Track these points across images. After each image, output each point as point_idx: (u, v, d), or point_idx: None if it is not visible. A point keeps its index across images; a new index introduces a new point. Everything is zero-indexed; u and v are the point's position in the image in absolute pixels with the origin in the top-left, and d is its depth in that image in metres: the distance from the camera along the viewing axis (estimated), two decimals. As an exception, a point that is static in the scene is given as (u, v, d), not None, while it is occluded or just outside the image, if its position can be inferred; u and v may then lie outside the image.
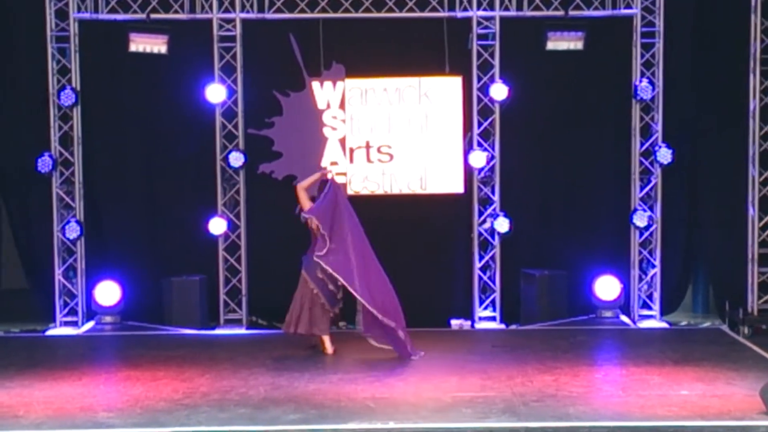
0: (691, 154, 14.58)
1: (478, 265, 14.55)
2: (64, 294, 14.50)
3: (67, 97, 14.17)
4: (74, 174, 14.39)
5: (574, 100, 14.58)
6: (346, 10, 14.30)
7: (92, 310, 14.52)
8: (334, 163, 14.60)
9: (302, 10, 14.32)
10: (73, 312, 14.49)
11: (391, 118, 14.60)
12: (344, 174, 14.59)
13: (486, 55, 14.38)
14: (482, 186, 14.55)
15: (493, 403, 9.80)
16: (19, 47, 14.46)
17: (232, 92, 14.41)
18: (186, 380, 10.96)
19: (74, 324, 14.43)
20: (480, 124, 14.45)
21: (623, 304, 14.57)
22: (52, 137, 14.30)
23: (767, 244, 14.24)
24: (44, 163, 14.17)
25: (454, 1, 14.31)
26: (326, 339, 12.40)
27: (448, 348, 12.69)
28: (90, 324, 14.47)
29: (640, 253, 14.54)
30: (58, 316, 14.47)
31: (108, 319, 14.46)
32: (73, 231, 14.28)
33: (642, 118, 14.40)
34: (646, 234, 14.48)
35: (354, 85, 14.59)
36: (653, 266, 14.51)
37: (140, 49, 14.10)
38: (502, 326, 14.45)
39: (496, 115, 14.40)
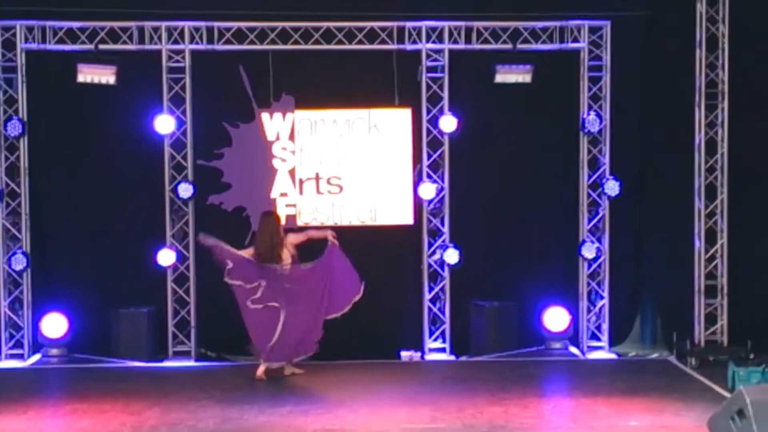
0: (638, 186, 14.71)
1: (427, 296, 14.56)
2: (9, 326, 14.32)
3: (14, 128, 14.06)
4: (21, 205, 14.25)
5: (523, 132, 14.67)
6: (296, 42, 14.32)
7: (38, 343, 14.36)
8: (284, 195, 14.57)
9: (252, 42, 14.31)
10: (18, 344, 14.31)
11: (341, 150, 14.61)
12: (294, 206, 14.58)
13: (435, 87, 14.45)
14: (432, 217, 14.59)
15: (443, 435, 9.80)
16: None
17: (181, 123, 14.37)
18: (134, 413, 10.86)
19: (20, 357, 14.25)
20: (429, 156, 14.50)
21: (572, 335, 14.64)
22: (-2, 168, 14.19)
23: (714, 276, 14.35)
24: (-10, 194, 14.04)
25: (403, 33, 14.38)
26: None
27: (398, 379, 12.68)
28: (36, 356, 14.31)
29: (589, 284, 14.62)
30: (4, 349, 14.28)
31: (55, 351, 14.32)
32: (19, 263, 14.13)
33: (590, 151, 14.52)
34: (595, 265, 14.57)
35: (304, 117, 14.60)
36: (602, 297, 14.59)
37: (88, 79, 14.02)
38: (452, 357, 14.45)
39: (446, 147, 14.46)
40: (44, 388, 12.89)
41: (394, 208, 14.61)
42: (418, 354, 14.53)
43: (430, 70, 14.46)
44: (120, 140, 14.38)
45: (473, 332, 14.65)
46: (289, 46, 14.33)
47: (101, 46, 14.12)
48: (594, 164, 14.55)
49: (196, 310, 14.49)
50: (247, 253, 12.91)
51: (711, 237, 14.33)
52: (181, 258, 14.46)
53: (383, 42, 14.37)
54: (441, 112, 14.40)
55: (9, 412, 10.95)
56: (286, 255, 12.86)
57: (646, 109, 14.61)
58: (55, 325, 14.28)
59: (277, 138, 14.67)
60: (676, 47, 14.36)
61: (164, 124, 14.25)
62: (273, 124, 14.65)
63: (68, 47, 14.16)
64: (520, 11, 14.36)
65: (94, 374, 13.39)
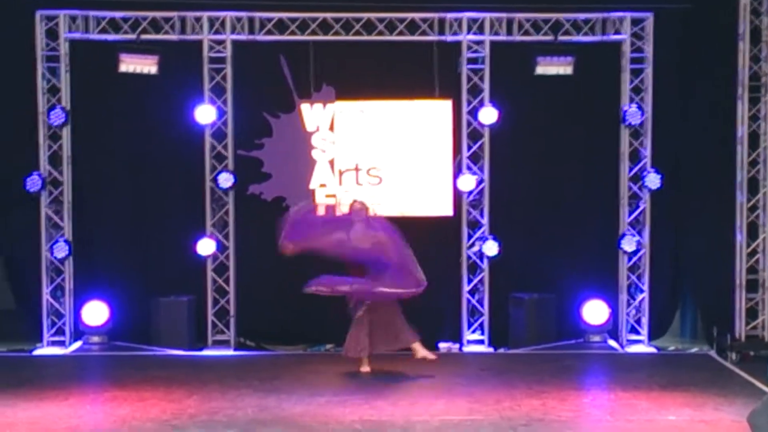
0: (679, 180, 14.63)
1: (466, 288, 14.56)
2: (51, 314, 14.45)
3: (57, 117, 14.17)
4: (63, 194, 14.37)
5: (563, 124, 14.63)
6: (337, 33, 14.34)
7: (80, 330, 14.49)
8: (323, 185, 14.61)
9: (293, 32, 14.35)
10: (60, 332, 14.45)
11: (381, 141, 14.63)
12: (333, 196, 14.60)
13: (476, 79, 14.43)
14: (471, 209, 14.58)
15: (480, 427, 9.79)
16: (9, 66, 14.43)
17: (221, 113, 14.43)
18: (173, 401, 10.93)
19: (61, 344, 14.38)
20: (469, 148, 14.48)
21: (611, 329, 14.59)
22: (41, 156, 14.29)
23: (755, 270, 14.27)
24: (33, 183, 14.15)
25: (444, 24, 14.36)
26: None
27: (436, 371, 12.67)
28: (77, 344, 14.43)
29: (629, 277, 14.56)
30: (46, 336, 14.42)
31: (95, 339, 14.44)
32: (61, 250, 14.25)
33: (631, 143, 14.45)
34: (635, 259, 14.51)
35: (344, 108, 14.62)
36: (641, 291, 14.53)
37: (130, 69, 14.12)
38: (491, 350, 14.45)
39: (486, 139, 14.44)
40: (85, 375, 12.99)
41: (433, 200, 14.61)
42: (457, 346, 14.54)
43: (470, 61, 14.44)
44: (161, 130, 14.48)
45: (512, 324, 14.64)
46: (329, 37, 14.35)
47: (143, 36, 14.21)
48: (635, 157, 14.48)
49: (236, 300, 14.57)
50: None
51: (753, 231, 14.25)
52: (221, 247, 14.53)
53: (424, 33, 14.36)
54: (481, 103, 14.37)
55: (50, 398, 11.04)
56: None
57: (688, 102, 14.51)
58: (96, 312, 14.40)
59: (317, 129, 14.69)
60: (717, 40, 14.25)
61: (205, 114, 14.32)
62: (313, 114, 14.68)
63: (111, 37, 14.25)
64: (561, 3, 14.33)
65: (134, 362, 13.48)
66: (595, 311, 14.49)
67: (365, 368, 12.43)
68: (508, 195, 14.60)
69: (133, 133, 14.64)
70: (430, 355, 12.50)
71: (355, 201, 12.78)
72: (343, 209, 12.59)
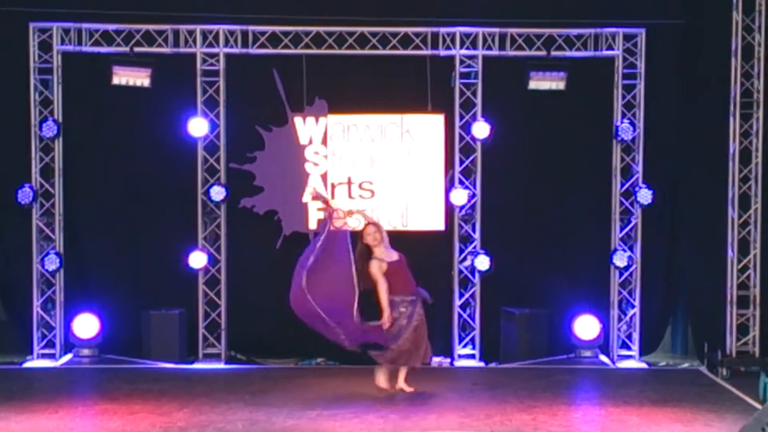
0: (671, 195, 14.66)
1: (458, 302, 14.56)
2: (42, 326, 14.42)
3: (49, 129, 14.16)
4: (54, 206, 14.35)
5: (556, 139, 14.64)
6: (330, 47, 14.36)
7: (70, 343, 14.45)
8: (316, 198, 14.59)
9: (286, 46, 14.37)
10: (50, 344, 14.41)
11: (373, 155, 14.63)
12: (324, 209, 14.57)
13: (468, 93, 14.45)
14: (463, 224, 14.58)
15: (471, 441, 9.79)
16: (1, 78, 14.42)
17: (214, 126, 14.43)
18: (164, 414, 10.91)
19: (52, 356, 14.35)
20: (462, 162, 14.50)
21: (603, 344, 14.59)
22: (33, 169, 14.27)
23: (746, 286, 14.28)
24: (24, 195, 14.13)
25: (437, 39, 14.39)
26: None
27: (427, 385, 12.65)
28: (68, 356, 14.40)
29: (620, 293, 14.57)
30: (36, 348, 14.38)
31: (86, 351, 14.40)
32: (52, 263, 14.22)
33: (623, 159, 14.48)
34: (626, 274, 14.52)
35: (336, 121, 14.62)
36: (633, 306, 14.54)
37: (123, 82, 14.09)
38: (482, 364, 14.44)
39: (478, 153, 14.45)
40: (75, 387, 12.97)
41: (425, 214, 14.61)
42: (448, 360, 14.53)
43: (463, 76, 14.46)
44: (154, 143, 14.47)
45: (503, 339, 14.63)
46: (323, 51, 14.37)
47: (136, 49, 14.21)
48: (627, 172, 14.50)
49: (227, 313, 14.55)
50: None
51: (744, 247, 14.26)
52: (213, 260, 14.51)
53: (417, 47, 14.38)
54: (474, 118, 14.39)
55: (40, 411, 11.02)
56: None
57: (680, 118, 14.54)
58: (86, 325, 14.36)
59: (310, 142, 14.69)
60: (711, 56, 14.29)
61: (198, 126, 14.32)
62: (306, 128, 14.68)
63: (104, 49, 14.25)
64: (554, 18, 14.35)
65: (124, 375, 13.45)
66: (586, 326, 14.49)
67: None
68: (500, 209, 14.61)
69: (126, 145, 14.63)
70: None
71: (367, 225, 12.36)
72: (336, 223, 12.44)
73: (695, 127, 14.46)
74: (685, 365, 14.59)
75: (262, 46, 14.38)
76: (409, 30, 14.33)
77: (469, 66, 14.45)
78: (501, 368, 14.29)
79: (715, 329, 14.27)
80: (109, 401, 11.61)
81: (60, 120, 14.26)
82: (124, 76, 14.08)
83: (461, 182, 14.50)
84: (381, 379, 12.08)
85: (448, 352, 14.58)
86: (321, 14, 14.31)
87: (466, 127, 14.44)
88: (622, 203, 14.50)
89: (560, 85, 14.17)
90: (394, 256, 12.07)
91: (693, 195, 14.58)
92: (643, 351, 14.70)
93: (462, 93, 14.46)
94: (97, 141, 14.65)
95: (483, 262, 14.38)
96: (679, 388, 12.66)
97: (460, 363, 14.45)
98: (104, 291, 14.56)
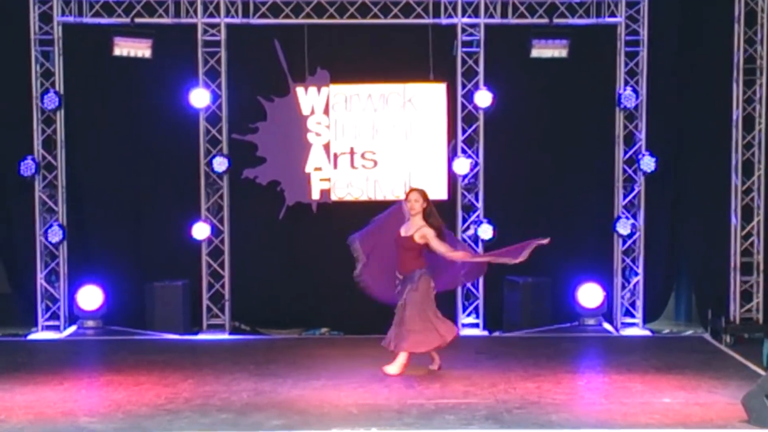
0: (674, 163, 14.62)
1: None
2: (46, 298, 14.44)
3: (51, 101, 14.14)
4: (57, 178, 14.35)
5: (558, 107, 14.61)
6: (331, 16, 14.31)
7: (74, 315, 14.48)
8: (318, 169, 14.59)
9: (287, 16, 14.32)
10: (55, 316, 14.44)
11: (376, 125, 14.61)
12: (328, 180, 14.59)
13: (470, 62, 14.41)
14: (466, 193, 14.57)
15: (476, 410, 9.80)
16: (2, 50, 14.39)
17: (216, 97, 14.40)
18: (168, 385, 10.93)
19: (56, 328, 14.38)
20: (464, 131, 14.47)
21: (606, 312, 14.60)
22: (35, 141, 14.26)
23: (750, 253, 14.28)
24: (27, 167, 14.14)
25: (439, 7, 14.33)
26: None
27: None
28: (72, 328, 14.43)
29: (623, 261, 14.57)
30: (40, 321, 14.42)
31: (90, 323, 14.43)
32: (55, 235, 14.23)
33: (626, 126, 14.45)
34: (629, 242, 14.52)
35: (338, 91, 14.59)
36: (636, 274, 14.54)
37: (124, 53, 14.06)
38: (486, 333, 14.46)
39: (480, 122, 14.42)
40: (80, 359, 12.99)
41: (428, 183, 14.54)
42: (452, 329, 14.53)
43: (465, 44, 14.42)
44: (155, 114, 14.45)
45: (507, 308, 14.64)
46: (324, 20, 14.32)
47: (137, 20, 14.17)
48: (630, 140, 14.48)
49: (231, 284, 14.57)
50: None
51: (747, 214, 14.26)
52: (216, 231, 14.52)
53: (419, 16, 14.33)
54: (476, 87, 14.36)
55: (45, 383, 11.04)
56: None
57: (683, 85, 14.49)
58: (90, 297, 14.38)
59: (312, 112, 14.66)
60: (714, 22, 14.23)
61: (199, 97, 14.29)
62: (308, 98, 14.64)
63: (104, 20, 14.21)
64: (556, -15, 14.30)
65: (129, 346, 13.48)
66: (589, 294, 14.50)
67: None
68: (502, 178, 14.59)
69: (127, 117, 14.60)
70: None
71: (412, 191, 11.77)
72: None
73: (698, 94, 14.42)
74: (689, 332, 14.61)
75: (263, 16, 14.33)
76: (411, -2, 14.30)
77: (471, 34, 14.40)
78: (505, 337, 14.31)
79: (719, 296, 14.29)
80: (113, 373, 11.64)
81: (61, 92, 14.23)
82: (125, 47, 14.04)
83: (464, 151, 14.48)
84: (392, 368, 11.60)
85: (452, 322, 14.55)
86: (322, -17, 14.28)
87: (469, 96, 14.41)
88: (625, 171, 14.48)
89: (563, 53, 14.13)
90: (408, 231, 11.59)
91: (696, 162, 14.55)
92: (647, 318, 14.72)
93: (464, 62, 14.42)
94: (98, 112, 14.62)
95: (486, 231, 14.38)
96: (682, 355, 12.67)
97: (464, 332, 14.44)
98: (108, 263, 14.57)
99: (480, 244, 14.45)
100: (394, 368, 11.46)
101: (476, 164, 14.48)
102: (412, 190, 11.82)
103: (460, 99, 14.44)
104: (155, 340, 14.03)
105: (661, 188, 14.60)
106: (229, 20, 14.34)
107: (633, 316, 14.59)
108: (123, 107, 14.58)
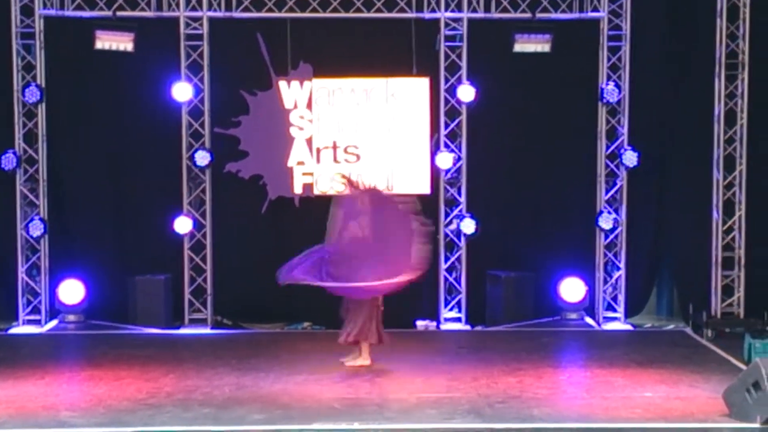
0: (656, 157, 14.64)
1: (443, 266, 14.56)
2: (27, 292, 14.39)
3: (32, 94, 14.07)
4: (38, 171, 14.29)
5: (541, 102, 14.61)
6: (314, 10, 14.28)
7: (56, 309, 14.43)
8: (301, 163, 14.57)
9: (270, 9, 14.28)
10: (36, 310, 14.39)
11: (359, 119, 14.59)
12: (311, 174, 14.57)
13: (453, 56, 14.40)
14: (449, 187, 14.57)
15: (458, 404, 9.82)
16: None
17: (198, 91, 14.36)
18: (150, 380, 10.92)
19: (37, 322, 14.33)
20: (447, 126, 14.47)
21: (588, 306, 14.63)
22: (16, 134, 14.20)
23: (731, 247, 14.32)
24: (8, 161, 14.09)
25: (422, 2, 14.31)
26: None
27: (413, 349, 12.69)
28: (53, 323, 14.38)
29: (605, 255, 14.60)
30: (21, 315, 14.36)
31: (71, 317, 14.38)
32: (36, 229, 14.18)
33: (608, 121, 14.46)
34: (611, 236, 14.55)
35: (321, 85, 14.57)
36: (618, 269, 14.57)
37: (106, 46, 14.03)
38: (468, 327, 14.46)
39: (463, 117, 14.42)
40: (61, 353, 12.96)
41: (411, 178, 14.59)
42: (434, 324, 14.54)
43: (448, 39, 14.40)
44: (137, 107, 14.40)
45: (489, 302, 14.65)
46: (307, 14, 14.29)
47: (119, 13, 14.12)
48: (612, 135, 14.49)
49: (213, 278, 14.53)
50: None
51: (729, 208, 14.30)
52: (198, 225, 14.49)
53: (402, 10, 14.31)
54: (459, 81, 14.35)
55: (26, 377, 11.01)
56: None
57: (666, 80, 14.52)
58: (72, 291, 14.34)
59: (295, 106, 14.63)
60: (696, 17, 14.25)
61: (182, 91, 14.25)
62: (290, 92, 14.61)
63: (86, 14, 14.15)
64: (539, -20, 14.30)
65: (110, 341, 13.45)
66: (571, 289, 14.52)
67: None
68: (485, 173, 14.59)
69: (109, 110, 14.55)
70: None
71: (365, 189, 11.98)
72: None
73: (680, 89, 14.45)
74: (670, 327, 14.65)
75: (246, 9, 14.29)
76: (394, -8, 14.28)
77: (454, 29, 14.39)
78: (487, 331, 14.32)
79: (700, 291, 14.34)
80: (95, 367, 11.61)
81: (43, 85, 14.16)
82: (107, 41, 14.00)
83: (447, 146, 14.48)
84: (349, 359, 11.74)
85: (434, 316, 14.59)
86: (305, -23, 14.24)
87: (452, 91, 14.40)
88: (607, 165, 14.50)
89: (545, 48, 14.14)
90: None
91: (678, 157, 14.59)
92: (629, 313, 14.74)
93: (447, 56, 14.41)
94: (80, 106, 14.57)
95: (469, 226, 14.39)
96: (664, 349, 12.71)
97: (446, 326, 14.47)
98: (89, 257, 14.52)
99: (462, 238, 14.45)
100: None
101: (459, 159, 14.48)
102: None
103: (443, 93, 14.43)
104: (137, 334, 13.99)
105: (644, 183, 14.63)
106: (211, 14, 14.29)
107: (615, 310, 14.62)
108: (105, 101, 14.54)
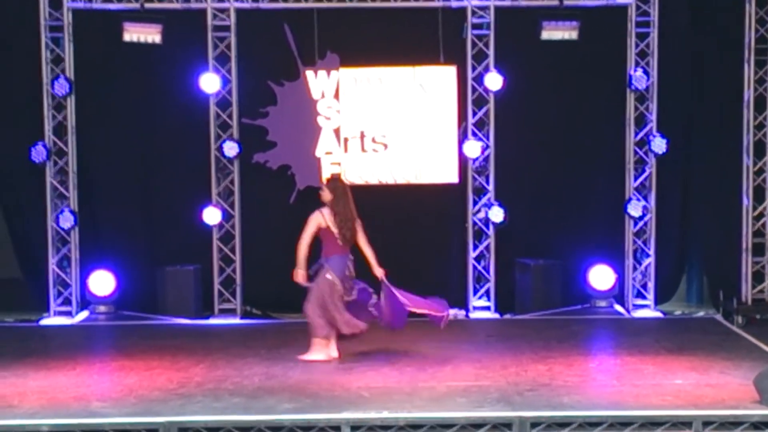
0: (685, 144, 14.59)
1: (472, 254, 14.56)
2: (58, 284, 14.49)
3: (61, 87, 14.15)
4: (68, 164, 14.38)
5: (569, 89, 14.57)
6: (341, 0, 14.27)
7: (86, 300, 14.51)
8: (328, 153, 14.59)
9: (296, 0, 14.29)
10: (67, 301, 14.49)
11: (386, 108, 14.59)
12: (338, 164, 14.58)
13: (481, 44, 14.38)
14: (477, 176, 14.56)
15: (487, 393, 9.80)
16: (13, 36, 14.40)
17: (226, 82, 14.40)
18: (180, 370, 10.96)
19: (68, 314, 14.43)
20: (474, 114, 14.45)
21: (617, 294, 14.59)
22: (45, 127, 14.29)
23: (761, 233, 14.26)
24: (38, 153, 14.17)
25: (448, -10, 14.31)
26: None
27: (442, 337, 12.66)
28: (84, 314, 14.47)
29: (635, 242, 14.55)
30: (52, 306, 14.47)
31: (102, 308, 14.46)
32: (66, 221, 14.27)
33: (636, 108, 14.41)
34: (641, 224, 14.50)
35: (348, 75, 14.58)
36: (647, 256, 14.52)
37: (134, 38, 14.07)
38: (497, 316, 14.47)
39: (491, 105, 14.40)
40: (92, 344, 13.03)
41: (439, 167, 14.59)
42: (463, 312, 14.55)
43: (475, 27, 14.38)
44: (166, 99, 14.46)
45: (518, 290, 14.64)
46: (334, 4, 14.30)
47: (147, 5, 14.16)
48: (641, 121, 14.44)
49: (242, 268, 14.59)
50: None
51: (759, 194, 14.24)
52: (227, 216, 14.54)
53: (428, -1, 14.32)
54: (486, 69, 14.33)
55: (58, 368, 11.07)
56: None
57: (694, 66, 14.44)
58: (102, 282, 14.41)
59: (322, 96, 14.65)
60: (725, 2, 14.18)
61: (209, 82, 14.29)
62: (318, 82, 14.63)
63: (114, 6, 14.21)
64: (566, -33, 14.24)
65: (140, 331, 13.51)
66: (601, 276, 14.48)
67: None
68: (513, 161, 14.57)
69: (138, 102, 14.62)
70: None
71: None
72: None
73: (709, 75, 14.37)
74: (701, 314, 14.60)
75: (273, 0, 14.30)
76: (420, -19, 14.27)
77: (481, 17, 14.36)
78: (516, 319, 14.31)
79: (730, 277, 14.28)
80: (125, 357, 11.67)
81: (72, 78, 14.24)
82: (135, 33, 14.05)
83: (474, 134, 14.46)
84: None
85: (463, 304, 14.60)
86: (331, -33, 14.25)
87: (479, 79, 14.38)
88: (636, 152, 14.45)
89: (573, 35, 14.09)
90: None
91: (707, 143, 14.52)
92: (658, 300, 14.71)
93: (474, 44, 14.39)
94: (109, 98, 14.63)
95: (497, 214, 14.37)
96: (694, 336, 12.66)
97: (475, 315, 14.48)
98: (119, 248, 14.60)
99: (491, 226, 14.44)
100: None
101: (487, 147, 14.46)
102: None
103: (470, 82, 14.41)
104: (167, 324, 14.06)
105: (672, 170, 14.57)
106: (238, 5, 14.32)
107: (644, 297, 14.58)
108: (133, 93, 14.60)
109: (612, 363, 11.54)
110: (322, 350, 11.42)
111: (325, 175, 14.48)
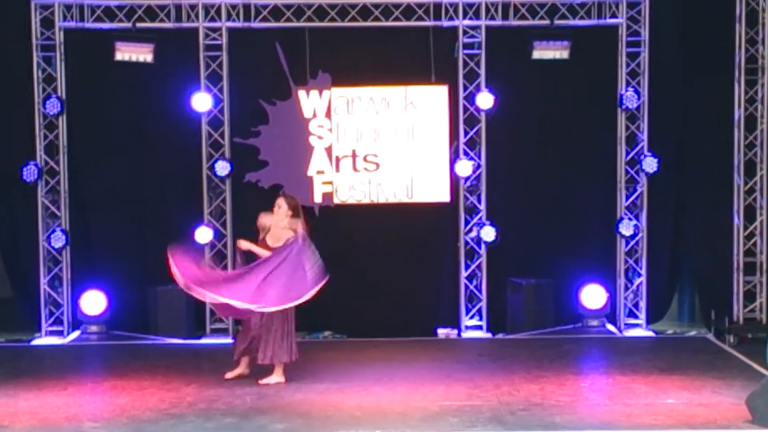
0: (676, 163, 14.61)
1: (464, 274, 14.56)
2: (49, 303, 14.45)
3: (53, 106, 14.15)
4: (60, 183, 14.36)
5: (560, 109, 14.60)
6: (333, 19, 14.31)
7: (78, 320, 14.47)
8: (320, 172, 14.59)
9: (288, 19, 14.32)
10: (58, 321, 14.45)
11: (378, 127, 14.61)
12: (330, 183, 14.59)
13: (472, 64, 14.41)
14: (468, 195, 14.57)
15: (479, 412, 9.80)
16: (4, 55, 14.40)
17: (218, 101, 14.41)
18: (172, 390, 10.94)
19: (60, 333, 14.38)
20: (466, 133, 14.47)
21: (609, 313, 14.59)
22: (37, 146, 14.27)
23: (752, 252, 14.28)
24: (29, 172, 14.15)
25: (440, 10, 14.33)
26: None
27: (434, 357, 12.69)
28: (76, 333, 14.43)
29: (626, 261, 14.57)
30: (44, 326, 14.42)
31: (94, 328, 14.42)
32: (58, 240, 14.24)
33: (627, 127, 14.44)
34: (632, 243, 14.52)
35: (340, 94, 14.60)
36: (639, 275, 14.54)
37: (126, 58, 14.08)
38: (489, 335, 14.45)
39: (482, 124, 14.42)
40: (83, 364, 13.00)
41: (430, 186, 14.60)
42: (455, 331, 14.54)
43: (466, 46, 14.41)
44: (157, 118, 14.46)
45: (510, 310, 14.64)
46: (325, 24, 14.33)
47: (139, 24, 14.17)
48: (632, 141, 14.47)
49: (234, 288, 14.53)
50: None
51: (750, 214, 14.27)
52: (219, 235, 14.52)
53: (420, 18, 14.33)
54: (478, 89, 14.36)
55: (50, 388, 11.04)
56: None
57: (685, 85, 14.49)
58: (94, 302, 14.38)
59: (314, 115, 14.66)
60: (715, 22, 14.23)
61: (201, 101, 14.29)
62: (309, 101, 14.65)
63: (106, 25, 14.22)
64: (557, -13, 14.30)
65: (132, 351, 13.49)
66: (593, 296, 14.49)
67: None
68: (505, 180, 14.59)
69: (130, 121, 14.61)
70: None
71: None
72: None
73: (700, 95, 14.41)
74: (692, 333, 14.61)
75: (265, 19, 14.33)
76: (412, 1, 14.28)
77: (472, 36, 14.40)
78: (508, 339, 14.31)
79: (722, 297, 14.30)
80: (117, 377, 11.64)
81: (63, 97, 14.24)
82: (127, 52, 14.06)
83: (466, 153, 14.48)
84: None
85: (455, 324, 14.59)
86: (323, -13, 14.28)
87: (470, 98, 14.41)
88: (627, 172, 14.47)
89: (564, 55, 14.13)
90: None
91: (698, 162, 14.55)
92: (650, 319, 14.71)
93: (465, 64, 14.42)
94: (101, 117, 14.63)
95: (489, 233, 14.38)
96: (686, 356, 12.67)
97: (467, 334, 14.47)
98: (111, 267, 14.56)
99: (483, 246, 14.44)
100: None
101: (478, 166, 14.48)
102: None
103: (461, 101, 14.44)
104: (159, 344, 14.03)
105: (664, 189, 14.59)
106: (230, 24, 14.34)
107: (636, 317, 14.58)
108: (125, 112, 14.59)
109: (604, 382, 11.54)
110: (282, 374, 11.32)
111: (317, 195, 14.50)
